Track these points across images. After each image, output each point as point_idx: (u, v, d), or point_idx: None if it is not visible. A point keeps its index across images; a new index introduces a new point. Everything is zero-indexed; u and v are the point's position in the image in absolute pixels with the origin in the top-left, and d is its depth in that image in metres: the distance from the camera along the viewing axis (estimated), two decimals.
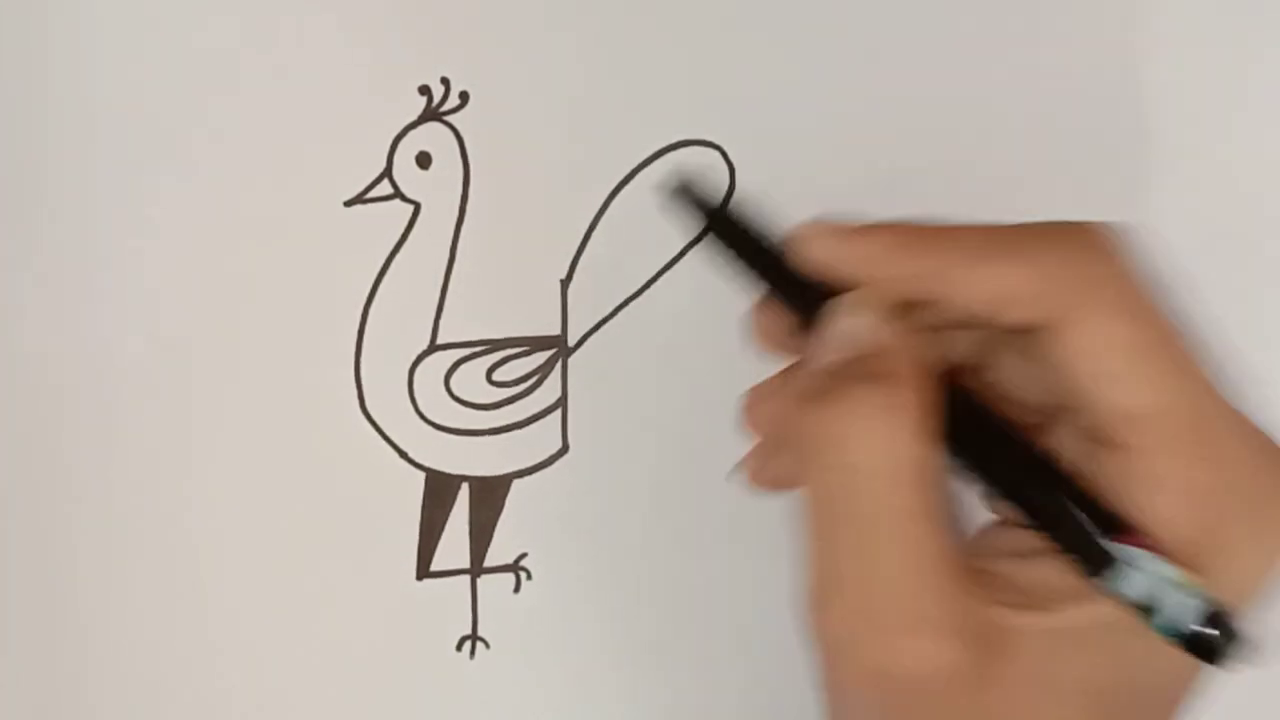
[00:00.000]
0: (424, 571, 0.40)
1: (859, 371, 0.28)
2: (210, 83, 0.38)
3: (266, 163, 0.38)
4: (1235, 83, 0.40)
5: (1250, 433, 0.28)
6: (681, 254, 0.39)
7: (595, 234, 0.39)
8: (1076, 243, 0.28)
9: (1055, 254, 0.28)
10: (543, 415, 0.40)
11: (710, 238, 0.32)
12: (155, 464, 0.39)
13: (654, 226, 0.39)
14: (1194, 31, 0.40)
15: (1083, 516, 0.28)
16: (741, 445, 0.39)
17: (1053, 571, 0.28)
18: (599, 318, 0.39)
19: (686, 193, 0.33)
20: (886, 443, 0.27)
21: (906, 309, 0.29)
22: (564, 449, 0.40)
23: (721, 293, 0.39)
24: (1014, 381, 0.30)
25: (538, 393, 0.40)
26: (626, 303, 0.39)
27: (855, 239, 0.29)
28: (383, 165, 0.39)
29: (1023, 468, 0.29)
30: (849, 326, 0.29)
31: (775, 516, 0.39)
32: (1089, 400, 0.28)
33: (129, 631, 0.39)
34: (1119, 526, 0.28)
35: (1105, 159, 0.40)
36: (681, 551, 0.37)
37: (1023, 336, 0.29)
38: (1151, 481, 0.27)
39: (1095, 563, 0.28)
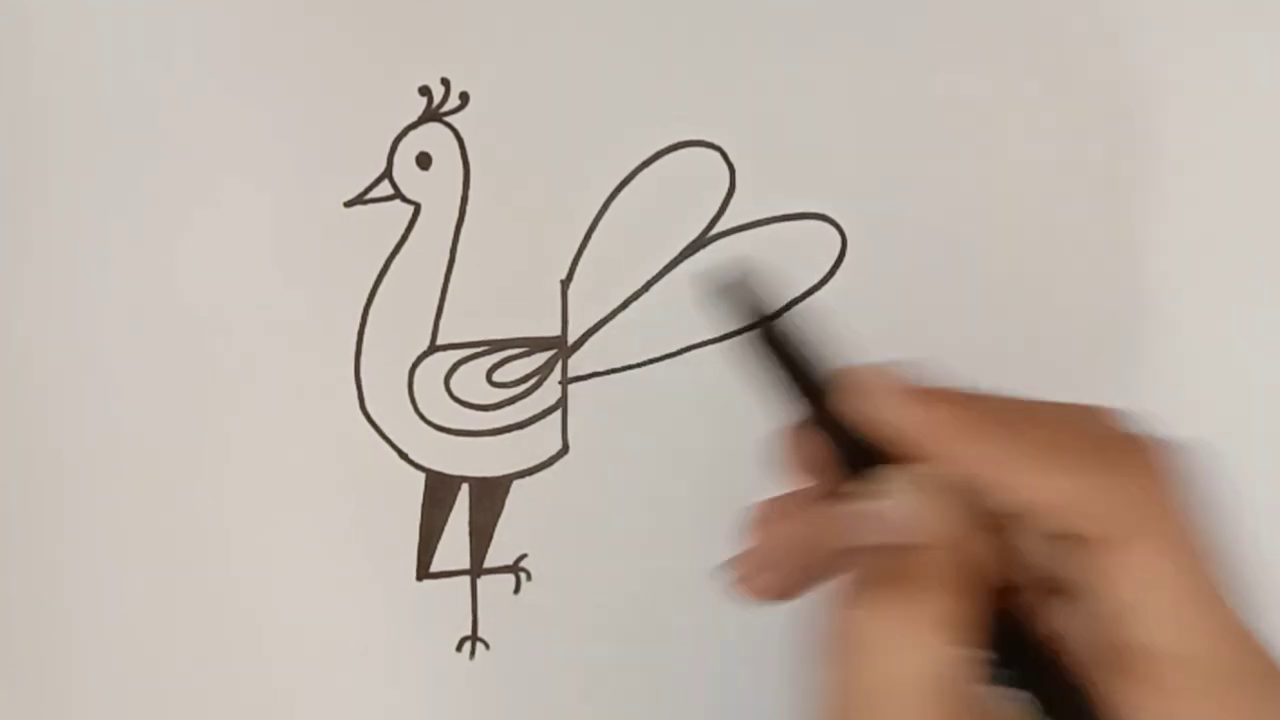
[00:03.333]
0: (424, 572, 0.40)
1: (895, 570, 0.27)
2: (211, 82, 0.38)
3: (267, 163, 0.38)
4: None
5: (1266, 685, 0.27)
6: (682, 255, 0.39)
7: (595, 234, 0.39)
8: (1136, 463, 0.27)
9: (1114, 471, 0.27)
10: (543, 416, 0.40)
11: (755, 346, 0.30)
12: (155, 464, 0.39)
13: (654, 226, 0.39)
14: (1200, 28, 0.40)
15: None
16: (742, 454, 0.39)
17: None
18: (599, 318, 0.39)
19: (738, 291, 0.30)
20: (908, 653, 0.26)
21: (965, 495, 0.28)
22: (564, 449, 0.40)
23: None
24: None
25: (538, 393, 0.40)
26: (627, 303, 0.39)
27: (918, 405, 0.28)
28: (383, 165, 0.39)
29: (1055, 690, 0.28)
30: (897, 508, 0.28)
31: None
32: (1118, 624, 0.27)
33: (128, 631, 0.39)
34: None
35: (1108, 161, 0.40)
36: (682, 551, 0.37)
37: (1067, 543, 0.28)
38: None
39: None
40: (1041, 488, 0.27)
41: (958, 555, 0.27)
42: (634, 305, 0.39)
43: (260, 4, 0.38)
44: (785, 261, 0.39)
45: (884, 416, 0.28)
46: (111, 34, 0.38)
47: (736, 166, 0.39)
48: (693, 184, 0.39)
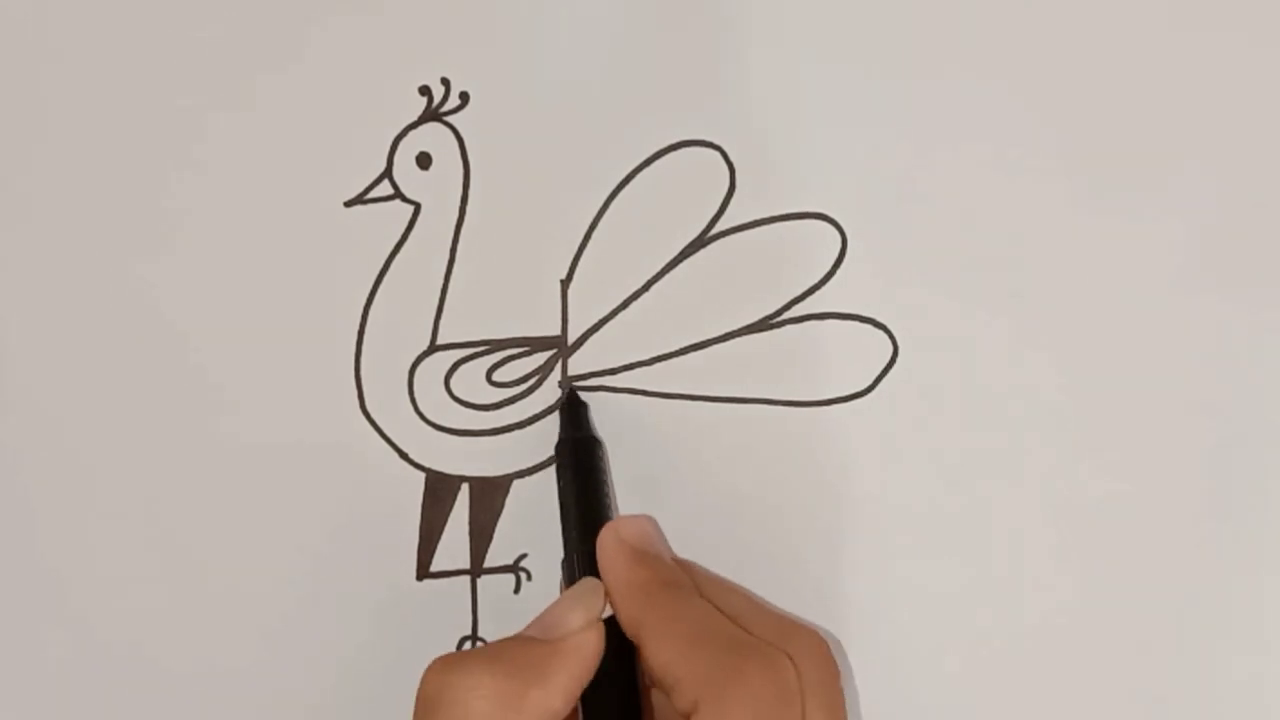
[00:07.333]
0: (424, 572, 0.40)
1: (504, 653, 0.32)
2: (211, 83, 0.38)
3: (267, 163, 0.38)
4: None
5: None
6: (682, 255, 0.39)
7: (595, 234, 0.39)
8: (742, 658, 0.31)
9: (718, 660, 0.31)
10: (543, 415, 0.40)
11: (562, 457, 0.37)
12: (155, 463, 0.39)
13: (654, 226, 0.39)
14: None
15: None
16: (742, 459, 0.39)
17: None
18: (599, 318, 0.39)
19: (574, 406, 0.38)
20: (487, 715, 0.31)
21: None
22: None
23: (720, 294, 0.40)
24: None
25: (538, 393, 0.40)
26: (627, 303, 0.39)
27: (618, 565, 0.34)
28: (383, 165, 0.39)
29: None
30: (559, 613, 0.33)
31: (774, 516, 0.39)
32: None
33: (128, 631, 0.39)
34: None
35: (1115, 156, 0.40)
36: (681, 552, 0.37)
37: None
38: None
39: None
40: (657, 659, 0.32)
41: (574, 656, 0.32)
42: (634, 305, 0.39)
43: (260, 4, 0.38)
44: (785, 261, 0.39)
45: (603, 562, 0.34)
46: (112, 33, 0.38)
47: (736, 166, 0.39)
48: (693, 184, 0.39)
